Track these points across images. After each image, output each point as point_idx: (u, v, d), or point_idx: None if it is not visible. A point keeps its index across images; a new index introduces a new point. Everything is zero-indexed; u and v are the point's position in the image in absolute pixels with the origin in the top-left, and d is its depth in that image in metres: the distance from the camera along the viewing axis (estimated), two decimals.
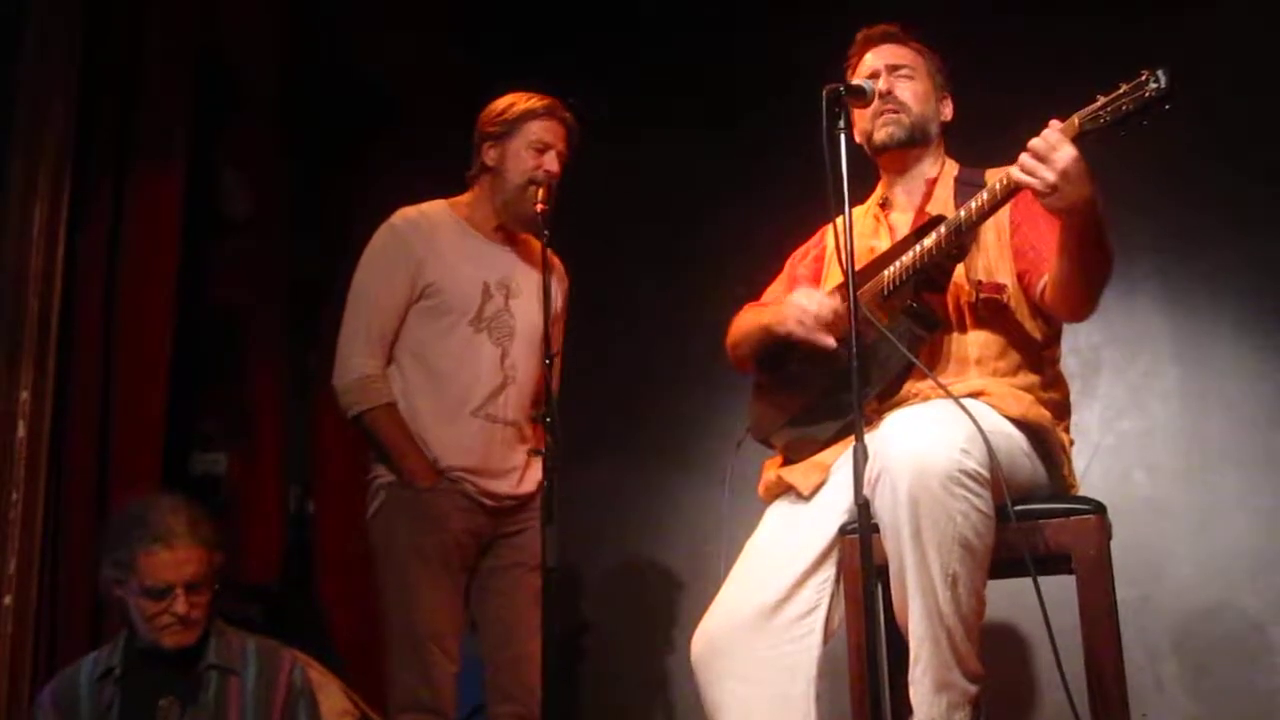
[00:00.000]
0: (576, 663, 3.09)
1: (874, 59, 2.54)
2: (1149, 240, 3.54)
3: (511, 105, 3.00)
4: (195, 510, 2.62)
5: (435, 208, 3.03)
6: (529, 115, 2.97)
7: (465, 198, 3.06)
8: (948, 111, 2.57)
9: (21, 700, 2.92)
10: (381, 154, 4.12)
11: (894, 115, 2.49)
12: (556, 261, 3.14)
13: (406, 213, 3.00)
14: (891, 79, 2.49)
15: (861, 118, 2.50)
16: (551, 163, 2.95)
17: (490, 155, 2.99)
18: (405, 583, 2.82)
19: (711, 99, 4.10)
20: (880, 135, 2.50)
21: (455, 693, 2.83)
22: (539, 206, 2.87)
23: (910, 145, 2.51)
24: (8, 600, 3.01)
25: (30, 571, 3.04)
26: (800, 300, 2.42)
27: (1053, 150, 2.04)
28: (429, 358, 2.90)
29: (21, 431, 3.07)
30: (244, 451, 3.74)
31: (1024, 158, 2.07)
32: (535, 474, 2.94)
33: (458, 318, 2.91)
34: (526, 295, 2.98)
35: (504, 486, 2.90)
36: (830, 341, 2.36)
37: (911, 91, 2.50)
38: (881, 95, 2.46)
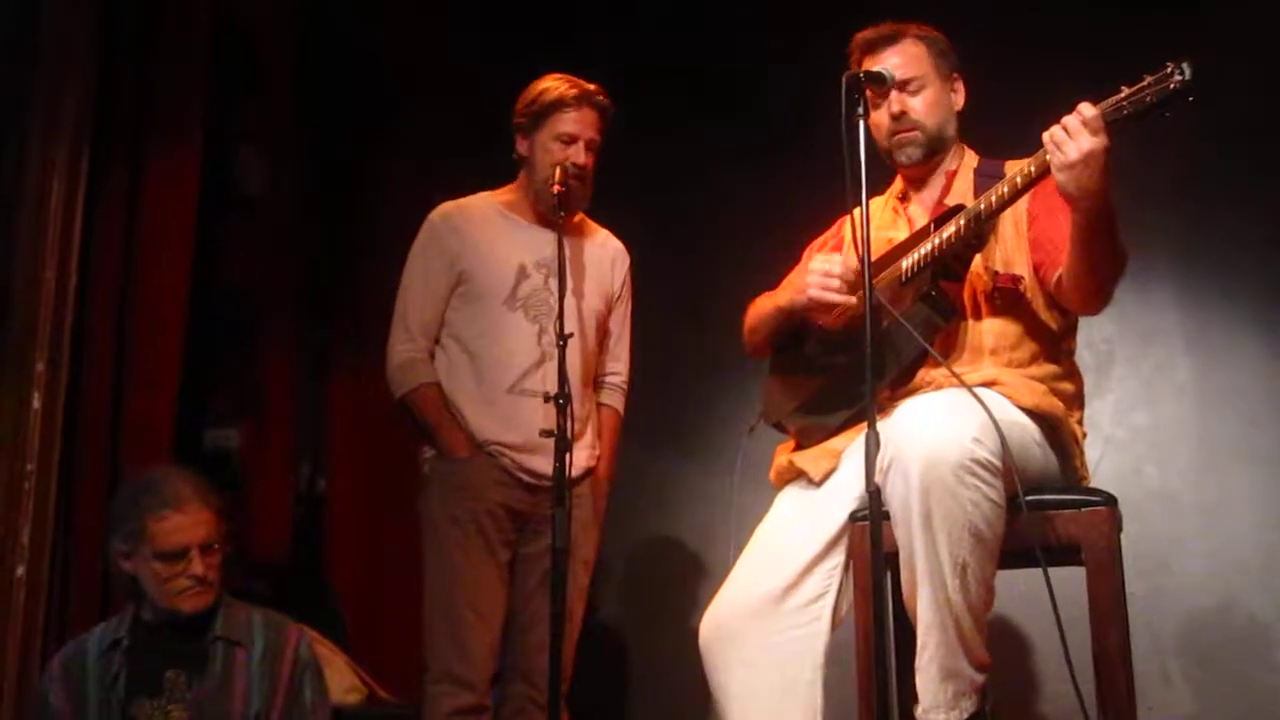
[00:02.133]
0: (585, 644, 3.10)
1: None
2: (1164, 234, 3.53)
3: (541, 94, 2.98)
4: (200, 477, 2.65)
5: (476, 199, 3.10)
6: (556, 106, 2.95)
7: (509, 186, 3.10)
8: (960, 99, 2.53)
9: (34, 668, 2.95)
10: (398, 133, 4.12)
11: (909, 135, 2.45)
12: (617, 242, 3.16)
13: (444, 207, 3.07)
14: (902, 96, 2.44)
15: (877, 128, 2.45)
16: (578, 155, 2.94)
17: (522, 146, 3.03)
18: (442, 552, 2.87)
19: (724, 89, 4.09)
20: (900, 158, 2.48)
21: (491, 665, 2.84)
22: (555, 188, 2.86)
23: (930, 157, 2.49)
24: (20, 571, 3.03)
25: (43, 542, 3.07)
26: (820, 264, 2.42)
27: (1083, 130, 2.03)
28: (467, 340, 2.96)
29: (36, 403, 3.09)
30: (255, 428, 3.76)
31: (1055, 130, 2.06)
32: (583, 459, 2.96)
33: (491, 300, 2.96)
34: (571, 274, 2.97)
35: (544, 464, 2.85)
36: (850, 300, 2.34)
37: (924, 104, 2.45)
38: (894, 116, 2.44)
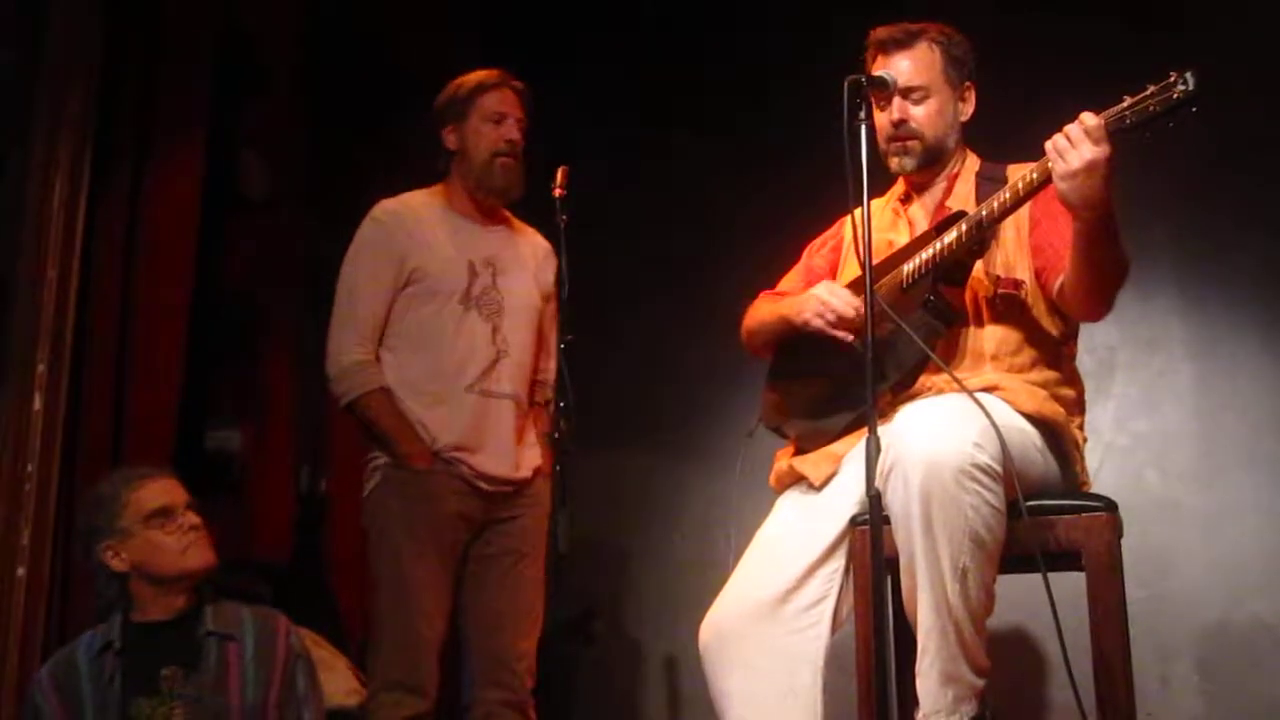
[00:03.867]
0: (584, 648, 3.10)
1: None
2: (1166, 241, 3.53)
3: (461, 84, 3.03)
4: None
5: (416, 197, 3.07)
6: (479, 90, 3.01)
7: (440, 187, 3.08)
8: (968, 109, 2.50)
9: (34, 669, 2.93)
10: (400, 135, 4.12)
11: (906, 144, 2.44)
12: (545, 240, 3.15)
13: (387, 204, 3.04)
14: (905, 104, 2.43)
15: (879, 130, 2.43)
16: (511, 130, 2.99)
17: (451, 139, 3.03)
18: (396, 560, 2.85)
19: (725, 93, 4.09)
20: (893, 165, 2.48)
21: (437, 673, 2.83)
22: (557, 191, 2.87)
23: (926, 168, 2.49)
24: (21, 572, 3.03)
25: (44, 544, 3.07)
26: (821, 294, 2.41)
27: (1083, 140, 2.03)
28: (422, 340, 2.93)
29: (38, 404, 3.10)
30: (257, 429, 3.76)
31: (1057, 139, 2.06)
32: (532, 459, 2.97)
33: (446, 298, 2.94)
34: (514, 273, 3.01)
35: (499, 468, 2.89)
36: (847, 337, 2.36)
37: (924, 114, 2.43)
38: (894, 123, 2.42)
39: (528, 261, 3.08)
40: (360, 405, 2.90)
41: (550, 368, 3.11)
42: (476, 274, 2.97)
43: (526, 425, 3.01)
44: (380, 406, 2.88)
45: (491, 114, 2.98)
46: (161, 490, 2.60)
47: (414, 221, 2.99)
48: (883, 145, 2.46)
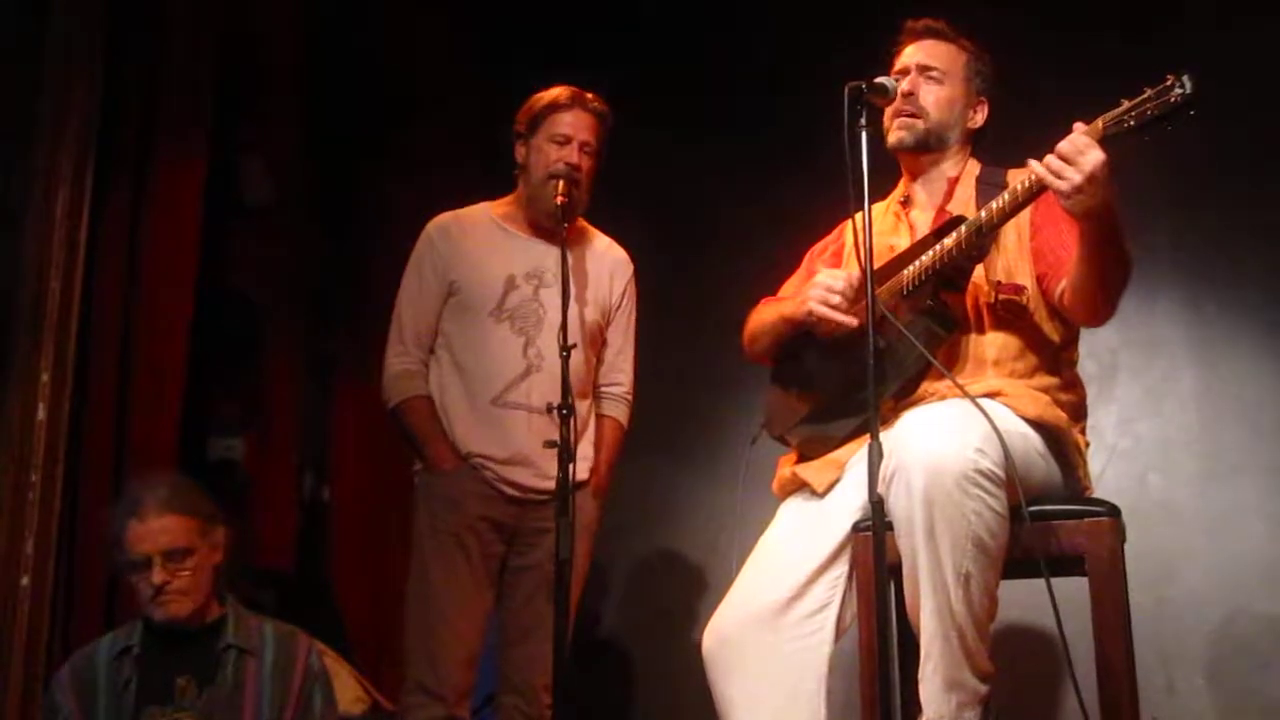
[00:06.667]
0: (588, 655, 3.10)
1: (910, 55, 2.51)
2: (1169, 244, 3.54)
3: (536, 100, 3.03)
4: (181, 483, 2.65)
5: (474, 210, 3.11)
6: (551, 109, 3.00)
7: (509, 197, 3.11)
8: (979, 118, 2.53)
9: (39, 678, 2.95)
10: (403, 143, 4.14)
11: (908, 119, 2.47)
12: (619, 252, 3.16)
13: (440, 218, 3.09)
14: (918, 79, 2.47)
15: (886, 113, 2.47)
16: (571, 155, 2.96)
17: (520, 153, 3.05)
18: (422, 564, 2.89)
19: (726, 97, 4.10)
20: (891, 139, 2.49)
21: (465, 677, 2.84)
22: (558, 199, 2.87)
23: (922, 151, 2.50)
24: (25, 581, 3.03)
25: (47, 552, 3.06)
26: (823, 279, 2.42)
27: (1080, 154, 2.04)
28: (455, 351, 2.98)
29: (41, 414, 3.09)
30: (259, 437, 3.76)
31: (1050, 159, 2.07)
32: (577, 471, 2.94)
33: (478, 311, 2.97)
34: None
35: (527, 477, 2.89)
36: (851, 321, 2.34)
37: (934, 97, 2.47)
38: (904, 95, 2.45)
39: (588, 275, 3.06)
40: (398, 412, 2.98)
41: (621, 381, 3.13)
42: (515, 286, 2.99)
43: (577, 437, 2.98)
44: (414, 413, 2.95)
45: (558, 135, 2.97)
46: (142, 537, 2.52)
47: (460, 234, 3.04)
48: (886, 122, 2.48)
